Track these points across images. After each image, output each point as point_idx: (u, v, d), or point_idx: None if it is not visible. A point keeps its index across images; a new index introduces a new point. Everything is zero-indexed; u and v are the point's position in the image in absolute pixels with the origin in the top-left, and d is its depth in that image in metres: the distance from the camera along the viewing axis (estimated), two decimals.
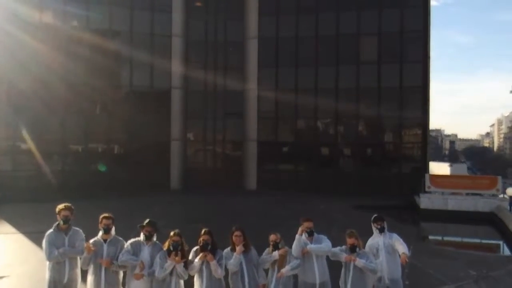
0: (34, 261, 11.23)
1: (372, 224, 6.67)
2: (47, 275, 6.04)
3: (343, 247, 6.30)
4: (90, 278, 6.08)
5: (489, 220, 20.06)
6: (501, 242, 17.48)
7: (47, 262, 6.04)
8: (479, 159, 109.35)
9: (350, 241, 6.18)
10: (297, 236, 6.21)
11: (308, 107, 28.23)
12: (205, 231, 5.98)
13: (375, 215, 6.71)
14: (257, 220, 15.91)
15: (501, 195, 21.83)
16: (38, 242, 11.59)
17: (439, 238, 19.38)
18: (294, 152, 28.71)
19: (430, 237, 18.77)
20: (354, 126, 28.68)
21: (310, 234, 6.24)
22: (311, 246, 6.15)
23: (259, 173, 28.42)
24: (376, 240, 6.56)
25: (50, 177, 24.51)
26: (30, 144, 25.09)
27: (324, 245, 6.19)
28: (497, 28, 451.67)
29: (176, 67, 28.14)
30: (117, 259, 6.00)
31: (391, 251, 6.43)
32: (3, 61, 24.17)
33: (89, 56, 25.63)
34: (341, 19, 27.70)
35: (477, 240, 18.98)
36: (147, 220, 6.16)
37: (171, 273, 5.82)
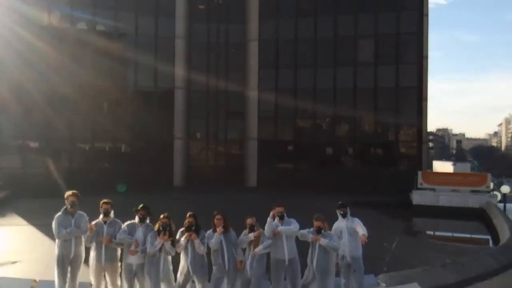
0: (43, 249, 12.28)
1: (336, 210, 7.62)
2: (56, 251, 7.06)
3: (311, 229, 7.24)
4: (92, 254, 7.15)
5: (478, 216, 20.75)
6: (487, 236, 18.17)
7: (57, 241, 7.06)
8: (486, 159, 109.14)
9: (316, 223, 7.14)
10: (268, 219, 7.19)
11: (307, 107, 29.05)
12: (189, 214, 6.98)
13: (340, 202, 7.67)
14: (254, 215, 16.75)
15: (492, 192, 22.53)
16: (46, 233, 12.60)
17: (429, 232, 20.07)
18: (293, 150, 29.56)
19: (420, 231, 19.50)
20: (352, 125, 29.46)
21: (281, 217, 7.19)
22: (281, 228, 7.10)
23: (260, 171, 29.28)
24: (340, 224, 7.52)
25: (58, 174, 25.50)
26: (39, 143, 26.21)
27: (293, 226, 7.15)
28: (506, 28, 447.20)
29: (179, 68, 29.08)
30: (115, 238, 7.04)
31: (353, 233, 7.38)
32: (12, 62, 25.17)
33: (96, 57, 26.68)
34: (339, 21, 28.52)
35: (465, 235, 19.66)
36: (141, 205, 7.19)
37: (160, 250, 6.83)
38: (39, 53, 25.08)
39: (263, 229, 7.13)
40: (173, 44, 29.06)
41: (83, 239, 7.12)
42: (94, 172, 26.38)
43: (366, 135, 29.45)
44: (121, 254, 7.20)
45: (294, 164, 29.22)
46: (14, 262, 11.28)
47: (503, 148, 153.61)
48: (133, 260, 6.98)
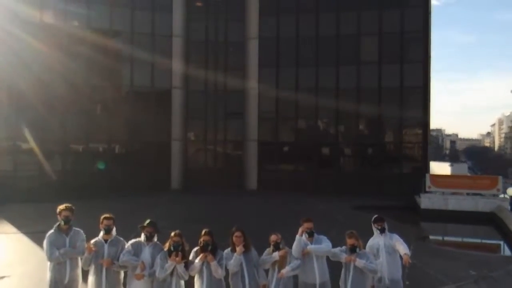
0: (35, 261, 11.25)
1: (372, 224, 6.68)
2: (48, 275, 6.06)
3: (343, 247, 6.30)
4: (91, 278, 6.09)
5: (489, 220, 20.08)
6: (501, 242, 17.49)
7: (48, 263, 6.06)
8: (479, 159, 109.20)
9: (350, 241, 6.19)
10: (297, 236, 6.22)
11: (308, 107, 28.27)
12: (205, 231, 5.99)
13: (376, 215, 6.71)
14: (257, 220, 15.93)
15: (502, 195, 21.85)
16: (38, 242, 11.63)
17: (440, 238, 19.39)
18: (294, 152, 28.77)
19: (431, 237, 18.75)
20: (355, 126, 28.74)
21: (310, 234, 6.24)
22: (311, 247, 6.15)
23: (260, 173, 28.49)
24: (377, 240, 6.57)
25: (51, 177, 24.56)
26: (31, 144, 25.15)
27: (324, 245, 6.20)
28: (498, 28, 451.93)
29: (177, 67, 28.20)
30: (118, 260, 6.02)
31: (392, 251, 6.43)
32: (4, 61, 24.20)
33: (90, 56, 25.71)
34: (341, 19, 27.74)
35: (477, 240, 18.99)
36: (147, 221, 6.18)
37: (171, 274, 5.83)
38: (31, 51, 24.20)
39: (290, 247, 6.19)
40: (171, 42, 28.13)
41: (79, 261, 6.11)
42: (88, 175, 25.44)
43: (369, 136, 28.67)
44: (125, 278, 6.17)
45: (295, 166, 28.45)
46: (1, 277, 10.25)
47: (496, 148, 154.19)
48: (139, 285, 5.93)
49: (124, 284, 6.18)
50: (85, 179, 24.79)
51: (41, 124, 25.07)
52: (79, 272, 6.16)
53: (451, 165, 43.16)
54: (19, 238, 14.48)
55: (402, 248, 6.31)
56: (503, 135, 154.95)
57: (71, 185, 23.26)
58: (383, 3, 26.96)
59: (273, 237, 6.21)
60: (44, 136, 25.20)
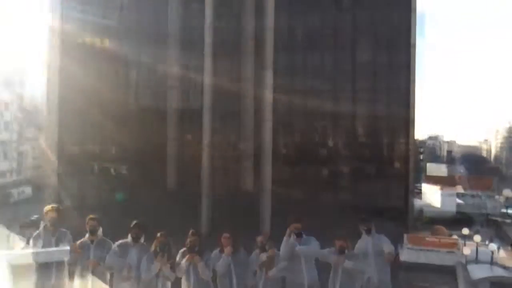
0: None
1: (359, 225, 6.63)
2: (34, 277, 5.99)
3: (332, 248, 6.23)
4: (77, 280, 6.03)
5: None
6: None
7: (34, 264, 5.99)
8: (477, 163, 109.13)
9: (338, 243, 6.14)
10: (285, 237, 6.14)
11: (305, 108, 28.19)
12: (192, 232, 5.94)
13: (362, 216, 6.67)
14: (252, 220, 15.93)
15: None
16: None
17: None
18: (291, 153, 28.71)
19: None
20: (351, 128, 28.72)
21: (299, 235, 6.17)
22: (299, 248, 6.09)
23: (256, 174, 28.35)
24: (365, 241, 6.50)
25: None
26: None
27: (312, 246, 6.14)
28: None
29: (173, 66, 28.05)
30: (104, 261, 5.96)
31: (380, 252, 6.35)
32: None
33: (85, 56, 25.63)
34: (338, 19, 27.72)
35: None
36: (134, 222, 6.13)
37: (157, 275, 5.78)
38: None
39: (278, 249, 6.14)
40: (167, 42, 27.99)
41: (65, 262, 6.05)
42: (83, 176, 25.34)
43: (365, 138, 28.69)
44: (111, 279, 6.12)
45: (291, 167, 28.36)
46: None
47: (493, 153, 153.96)
48: (125, 287, 5.89)
49: (111, 285, 6.12)
50: (79, 180, 24.71)
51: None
52: (65, 273, 6.09)
53: (448, 167, 43.12)
54: None
55: (387, 247, 6.24)
56: (500, 141, 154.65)
57: (65, 186, 23.17)
58: (377, 3, 26.96)
59: (259, 239, 6.20)
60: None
